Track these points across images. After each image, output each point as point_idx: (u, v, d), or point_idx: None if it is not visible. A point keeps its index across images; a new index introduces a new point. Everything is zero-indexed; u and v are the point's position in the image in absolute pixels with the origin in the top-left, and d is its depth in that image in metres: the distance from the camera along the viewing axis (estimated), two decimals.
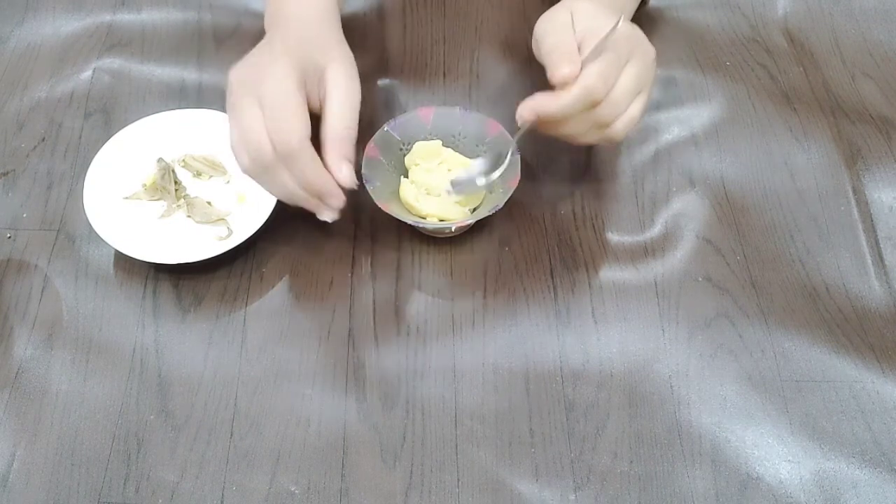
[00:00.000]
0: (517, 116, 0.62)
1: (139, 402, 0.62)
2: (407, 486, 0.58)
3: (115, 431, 0.60)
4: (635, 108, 0.62)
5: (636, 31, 0.64)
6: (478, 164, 0.66)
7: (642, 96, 0.63)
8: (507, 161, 0.65)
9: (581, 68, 0.59)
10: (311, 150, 0.59)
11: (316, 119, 0.62)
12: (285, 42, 0.63)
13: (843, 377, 0.63)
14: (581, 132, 0.63)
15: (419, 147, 0.69)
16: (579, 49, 0.61)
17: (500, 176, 0.65)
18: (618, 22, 0.59)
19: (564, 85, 0.59)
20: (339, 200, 0.62)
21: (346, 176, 0.60)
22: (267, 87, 0.59)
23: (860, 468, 0.59)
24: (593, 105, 0.60)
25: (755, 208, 0.71)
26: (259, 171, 0.60)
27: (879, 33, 0.84)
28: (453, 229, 0.66)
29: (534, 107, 0.61)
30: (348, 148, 0.61)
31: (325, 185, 0.60)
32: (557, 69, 0.59)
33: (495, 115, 0.69)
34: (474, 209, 0.68)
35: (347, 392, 0.62)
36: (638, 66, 0.61)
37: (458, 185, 0.65)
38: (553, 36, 0.63)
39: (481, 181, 0.65)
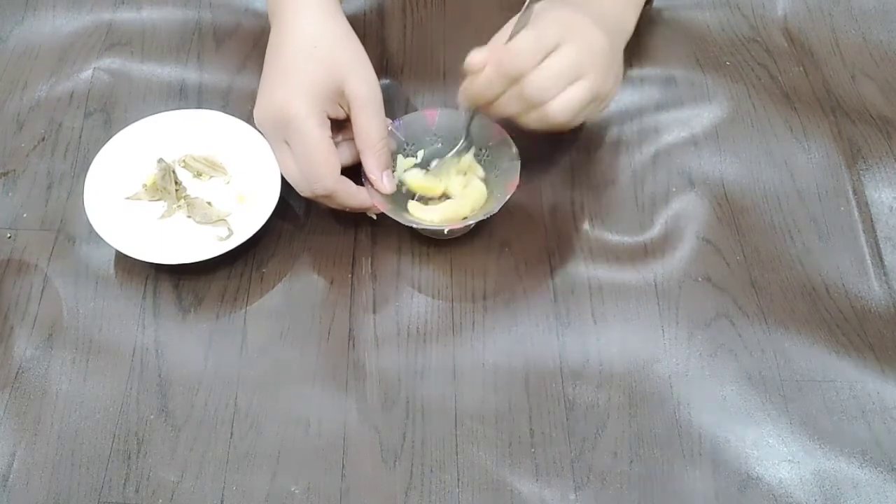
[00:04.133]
0: (457, 101, 0.64)
1: (139, 402, 0.62)
2: (407, 486, 0.58)
3: (115, 431, 0.60)
4: (575, 91, 0.61)
5: (580, 19, 0.63)
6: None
7: (585, 81, 0.61)
8: (460, 144, 0.67)
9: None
10: (345, 184, 0.64)
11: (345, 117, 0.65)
12: (296, 60, 0.63)
13: (843, 377, 0.63)
14: (517, 112, 0.62)
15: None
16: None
17: (497, 178, 0.67)
18: (531, 2, 0.58)
19: (475, 69, 0.60)
20: (381, 209, 0.65)
21: (387, 185, 0.65)
22: (291, 134, 0.63)
23: (860, 468, 0.59)
24: (513, 81, 0.60)
25: (755, 208, 0.71)
26: (309, 197, 0.66)
27: (879, 33, 0.84)
28: (446, 232, 0.66)
29: (462, 90, 0.62)
30: (385, 157, 0.65)
31: (363, 204, 0.65)
32: (469, 56, 0.60)
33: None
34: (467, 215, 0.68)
35: (348, 392, 0.62)
36: (573, 49, 0.60)
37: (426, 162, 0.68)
38: (501, 33, 0.63)
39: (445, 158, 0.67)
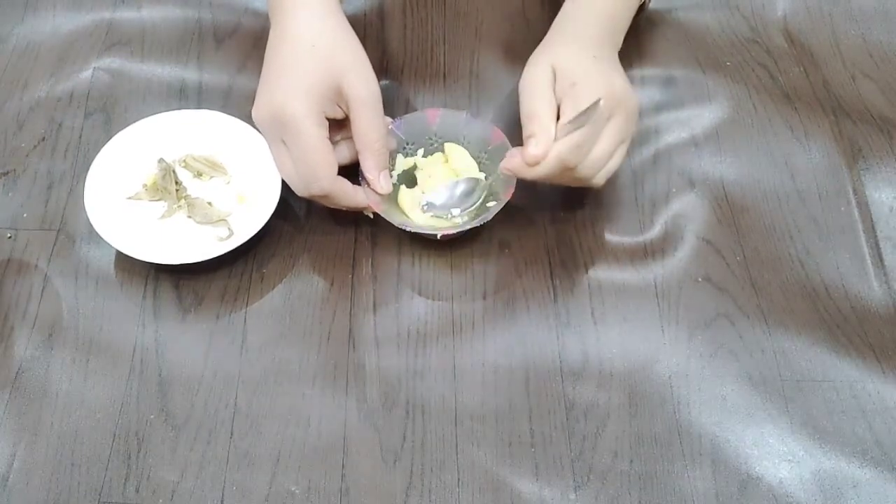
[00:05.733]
0: (500, 168, 0.65)
1: (139, 402, 0.62)
2: (407, 486, 0.58)
3: (115, 431, 0.60)
4: (615, 161, 0.65)
5: (616, 80, 0.65)
6: (458, 188, 0.68)
7: (622, 147, 0.65)
8: (478, 202, 0.67)
9: (557, 134, 0.61)
10: (342, 184, 0.64)
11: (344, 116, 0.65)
12: (295, 59, 0.64)
13: (844, 377, 0.63)
14: (563, 183, 0.66)
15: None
16: (559, 109, 0.63)
17: (494, 183, 0.67)
18: (598, 101, 0.59)
19: (537, 163, 0.61)
20: (375, 208, 0.66)
21: (384, 186, 0.66)
22: (289, 134, 0.63)
23: (861, 468, 0.59)
24: (569, 170, 0.62)
25: (755, 209, 0.71)
26: (305, 197, 0.66)
27: (879, 33, 0.84)
28: (439, 237, 0.66)
29: (513, 168, 0.63)
30: (383, 158, 0.65)
31: (360, 204, 0.66)
32: (528, 149, 0.61)
33: (495, 116, 0.69)
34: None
35: (348, 392, 0.62)
36: (618, 121, 0.63)
37: (431, 208, 0.67)
38: (531, 102, 0.64)
39: (453, 213, 0.67)
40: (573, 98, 0.62)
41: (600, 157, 0.63)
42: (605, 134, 0.63)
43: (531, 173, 0.62)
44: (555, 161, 0.61)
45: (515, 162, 0.62)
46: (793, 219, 0.71)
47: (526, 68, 0.67)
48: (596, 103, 0.59)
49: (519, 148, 0.63)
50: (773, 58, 0.81)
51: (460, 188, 0.68)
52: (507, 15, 0.85)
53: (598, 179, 0.64)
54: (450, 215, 0.67)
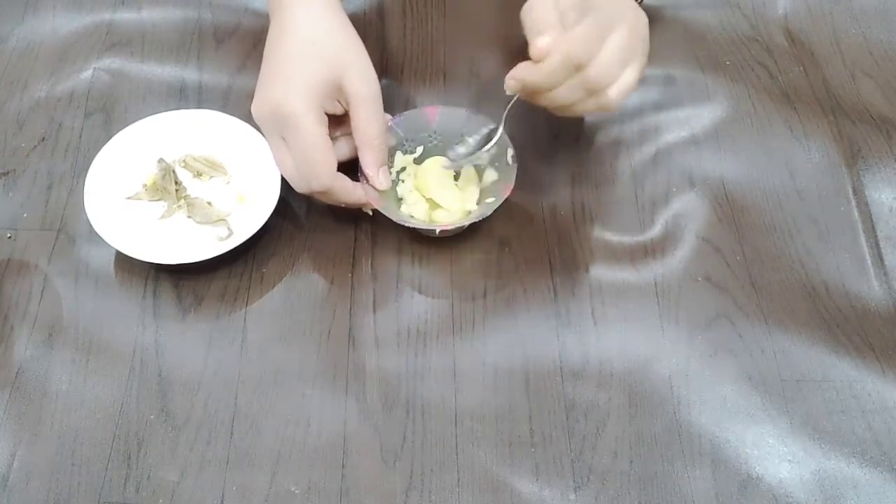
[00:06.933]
0: (505, 86, 0.62)
1: (139, 402, 0.62)
2: (407, 486, 0.58)
3: (115, 431, 0.60)
4: (629, 75, 0.61)
5: None
6: (471, 141, 0.67)
7: (635, 63, 0.61)
8: (498, 134, 0.66)
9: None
10: (342, 181, 0.64)
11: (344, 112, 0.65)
12: (295, 56, 0.63)
13: (844, 377, 0.63)
14: (573, 100, 0.61)
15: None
16: (562, 19, 0.60)
17: (493, 184, 0.67)
18: None
19: (544, 56, 0.58)
20: (375, 205, 0.66)
21: (383, 182, 0.65)
22: (288, 130, 0.63)
23: (861, 468, 0.59)
24: (578, 69, 0.59)
25: (755, 208, 0.71)
26: (305, 193, 0.66)
27: (879, 33, 0.84)
28: (437, 232, 0.66)
29: (518, 76, 0.60)
30: (382, 154, 0.65)
31: (359, 201, 0.66)
32: (534, 42, 0.59)
33: (495, 116, 0.69)
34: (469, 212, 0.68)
35: (348, 392, 0.62)
36: (627, 31, 0.60)
37: (458, 157, 0.67)
38: (534, 11, 0.62)
39: (479, 155, 0.67)
40: (578, 9, 0.60)
41: (612, 58, 0.59)
42: (614, 37, 0.59)
43: (538, 73, 0.59)
44: (562, 54, 0.57)
45: (522, 68, 0.60)
46: (792, 218, 0.71)
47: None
48: None
49: (524, 62, 0.61)
50: (773, 57, 0.81)
51: (479, 134, 0.67)
52: (507, 14, 0.85)
53: (613, 94, 0.60)
54: (480, 155, 0.66)
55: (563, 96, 0.60)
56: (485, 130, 0.67)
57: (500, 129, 0.66)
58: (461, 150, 0.67)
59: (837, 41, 0.83)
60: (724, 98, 0.78)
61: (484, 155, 0.67)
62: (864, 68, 0.81)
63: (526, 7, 0.64)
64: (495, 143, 0.66)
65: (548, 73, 0.59)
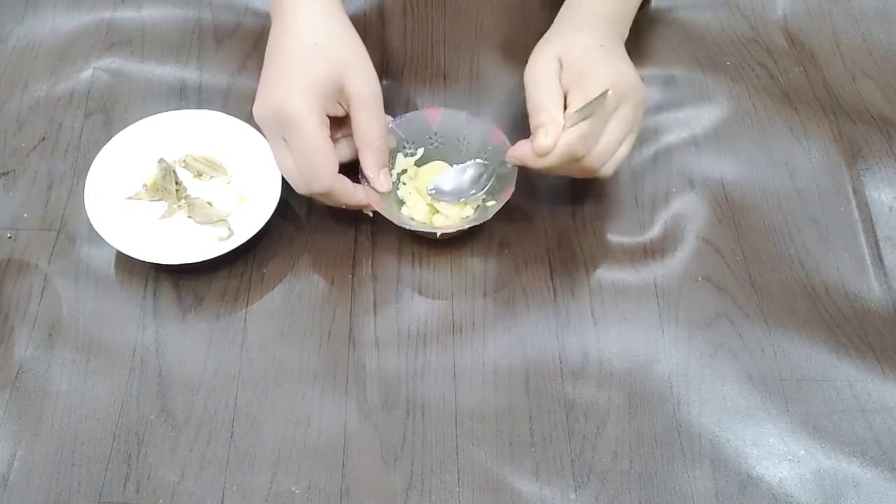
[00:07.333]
0: (506, 157, 0.64)
1: (139, 402, 0.62)
2: (407, 486, 0.58)
3: (115, 431, 0.60)
4: (623, 150, 0.64)
5: (625, 70, 0.64)
6: (467, 174, 0.67)
7: (630, 136, 0.64)
8: (489, 184, 0.67)
9: (565, 123, 0.60)
10: (342, 183, 0.64)
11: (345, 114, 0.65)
12: (297, 57, 0.63)
13: (844, 377, 0.63)
14: (570, 174, 0.65)
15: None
16: (566, 99, 0.62)
17: (492, 185, 0.67)
18: (606, 91, 0.59)
19: (545, 155, 0.61)
20: (375, 206, 0.66)
21: (384, 184, 0.66)
22: (290, 132, 0.63)
23: (861, 467, 0.59)
24: (577, 160, 0.62)
25: (755, 208, 0.71)
26: (305, 195, 0.66)
27: (879, 33, 0.84)
28: (438, 235, 0.66)
29: (519, 157, 0.63)
30: (383, 156, 0.66)
31: (360, 202, 0.66)
32: (537, 139, 0.61)
33: (496, 116, 0.69)
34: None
35: (348, 392, 0.62)
36: (626, 111, 0.63)
37: (440, 193, 0.67)
38: (538, 93, 0.63)
39: (463, 197, 0.67)
40: (581, 87, 0.62)
41: (608, 148, 0.62)
42: (613, 124, 0.62)
43: (539, 163, 0.61)
44: (563, 151, 0.60)
45: (524, 151, 0.62)
46: (792, 219, 0.71)
47: (531, 59, 0.66)
48: (604, 94, 0.59)
49: (525, 140, 0.63)
50: (773, 57, 0.81)
51: (468, 173, 0.67)
52: (507, 15, 0.85)
53: (606, 170, 0.64)
54: (463, 199, 0.67)
55: (561, 173, 0.65)
56: (480, 168, 0.68)
57: (492, 181, 0.67)
58: (446, 187, 0.68)
59: (837, 42, 0.83)
60: (725, 98, 0.78)
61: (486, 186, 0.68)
62: (864, 69, 0.81)
63: (530, 75, 0.65)
64: (491, 182, 0.67)
65: (547, 165, 0.62)
